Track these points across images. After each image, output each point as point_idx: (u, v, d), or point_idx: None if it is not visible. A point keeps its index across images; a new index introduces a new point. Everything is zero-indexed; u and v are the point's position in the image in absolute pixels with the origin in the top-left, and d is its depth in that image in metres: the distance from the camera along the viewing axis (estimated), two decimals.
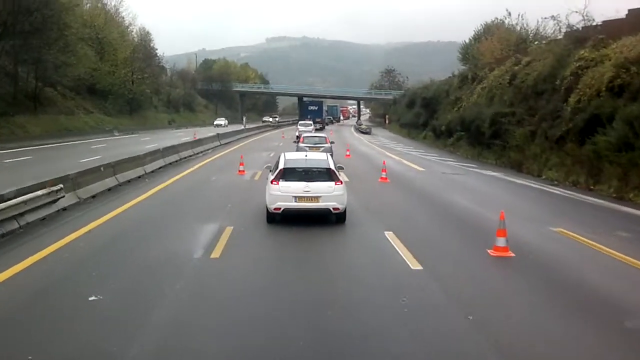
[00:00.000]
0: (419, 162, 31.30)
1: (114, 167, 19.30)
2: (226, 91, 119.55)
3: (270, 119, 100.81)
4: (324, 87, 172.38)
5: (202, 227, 12.96)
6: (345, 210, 13.32)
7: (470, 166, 29.47)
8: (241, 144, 45.98)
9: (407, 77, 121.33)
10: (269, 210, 13.13)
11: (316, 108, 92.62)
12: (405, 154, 38.15)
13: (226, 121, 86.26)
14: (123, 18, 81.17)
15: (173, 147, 29.62)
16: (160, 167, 25.11)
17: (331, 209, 12.99)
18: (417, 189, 20.71)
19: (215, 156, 33.49)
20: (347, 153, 33.74)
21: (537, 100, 29.33)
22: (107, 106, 70.30)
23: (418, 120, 60.03)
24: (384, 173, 22.09)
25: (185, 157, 30.44)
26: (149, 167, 23.49)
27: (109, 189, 18.14)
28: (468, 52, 66.81)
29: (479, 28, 67.58)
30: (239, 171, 23.87)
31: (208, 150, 37.02)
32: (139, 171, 21.98)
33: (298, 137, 35.75)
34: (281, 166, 13.45)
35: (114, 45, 73.97)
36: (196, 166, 27.30)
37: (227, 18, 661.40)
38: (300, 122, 63.05)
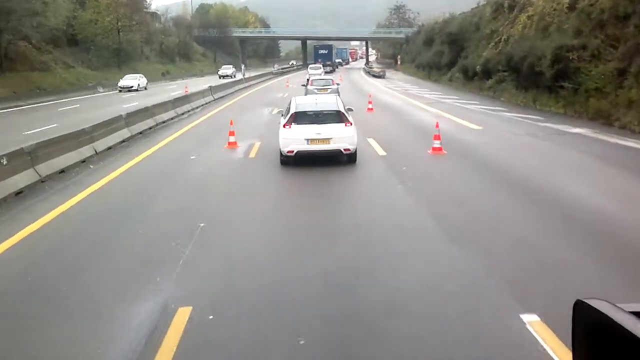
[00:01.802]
0: (464, 114, 24.17)
1: (32, 154, 12.59)
2: (225, 37, 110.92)
3: (221, 72, 67.42)
4: (327, 29, 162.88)
5: (124, 315, 6.10)
6: (355, 151, 13.39)
7: (533, 118, 22.39)
8: (239, 97, 38.94)
9: (418, 13, 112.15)
10: (282, 153, 13.35)
11: (326, 52, 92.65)
12: (438, 102, 31.03)
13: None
14: None
15: (144, 109, 22.60)
16: (122, 141, 18.46)
17: (342, 150, 13.18)
18: (495, 169, 13.31)
19: (204, 117, 26.60)
20: (369, 106, 26.68)
21: (620, 26, 22.14)
22: (90, 59, 63.10)
23: (440, 59, 52.45)
24: (437, 141, 14.96)
25: (164, 121, 23.70)
26: (103, 144, 16.76)
27: (19, 193, 11.59)
28: None
29: None
30: (229, 143, 17.09)
31: (197, 108, 30.08)
32: (84, 152, 15.34)
33: (308, 80, 34.07)
34: (293, 110, 13.66)
35: None
36: (174, 135, 20.52)
37: None
38: (310, 65, 64.53)
